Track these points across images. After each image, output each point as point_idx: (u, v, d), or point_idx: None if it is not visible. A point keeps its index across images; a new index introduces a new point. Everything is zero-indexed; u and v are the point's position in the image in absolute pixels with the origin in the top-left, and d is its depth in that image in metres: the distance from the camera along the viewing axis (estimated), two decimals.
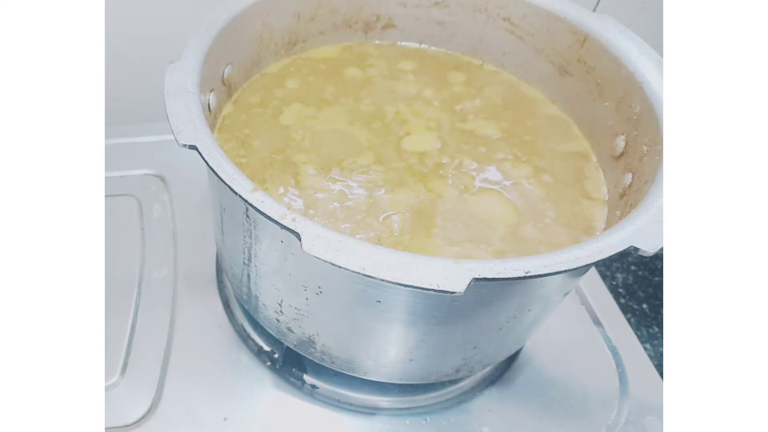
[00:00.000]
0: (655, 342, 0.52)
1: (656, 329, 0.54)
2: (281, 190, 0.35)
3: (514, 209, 0.36)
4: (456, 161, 0.39)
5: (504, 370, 0.44)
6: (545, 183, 0.38)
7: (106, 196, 0.52)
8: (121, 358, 0.41)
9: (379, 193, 0.36)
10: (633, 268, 0.60)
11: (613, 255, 0.26)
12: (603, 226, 0.36)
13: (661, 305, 0.56)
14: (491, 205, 0.36)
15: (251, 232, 0.31)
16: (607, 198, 0.37)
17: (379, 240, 0.33)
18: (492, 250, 0.33)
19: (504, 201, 0.36)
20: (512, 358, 0.45)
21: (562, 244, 0.34)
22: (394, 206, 0.35)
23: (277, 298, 0.34)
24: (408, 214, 0.34)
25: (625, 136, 0.37)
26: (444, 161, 0.38)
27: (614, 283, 0.58)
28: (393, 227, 0.33)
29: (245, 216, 0.30)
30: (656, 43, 0.36)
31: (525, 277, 0.24)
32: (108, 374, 0.40)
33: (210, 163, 0.27)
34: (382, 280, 0.24)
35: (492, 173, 0.38)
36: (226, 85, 0.39)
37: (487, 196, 0.36)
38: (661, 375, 0.45)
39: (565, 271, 0.25)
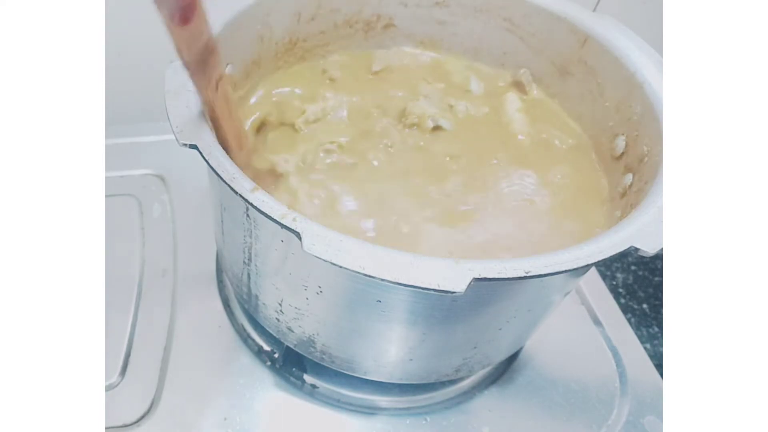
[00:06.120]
0: (655, 342, 0.52)
1: (656, 329, 0.54)
2: None
3: None
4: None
5: (504, 370, 0.44)
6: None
7: (106, 196, 0.52)
8: (121, 358, 0.41)
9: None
10: (633, 268, 0.60)
11: (614, 255, 0.26)
12: (603, 225, 0.36)
13: (661, 305, 0.56)
14: None
15: (251, 231, 0.31)
16: (606, 197, 0.37)
17: None
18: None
19: None
20: (512, 358, 0.45)
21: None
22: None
23: (278, 298, 0.34)
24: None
25: (625, 137, 0.37)
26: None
27: (614, 283, 0.58)
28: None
29: (245, 215, 0.30)
30: (656, 43, 0.36)
31: (525, 277, 0.24)
32: (108, 374, 0.40)
33: (210, 163, 0.27)
34: (382, 280, 0.23)
35: None
36: None
37: None
38: (661, 375, 0.45)
39: (566, 271, 0.25)
